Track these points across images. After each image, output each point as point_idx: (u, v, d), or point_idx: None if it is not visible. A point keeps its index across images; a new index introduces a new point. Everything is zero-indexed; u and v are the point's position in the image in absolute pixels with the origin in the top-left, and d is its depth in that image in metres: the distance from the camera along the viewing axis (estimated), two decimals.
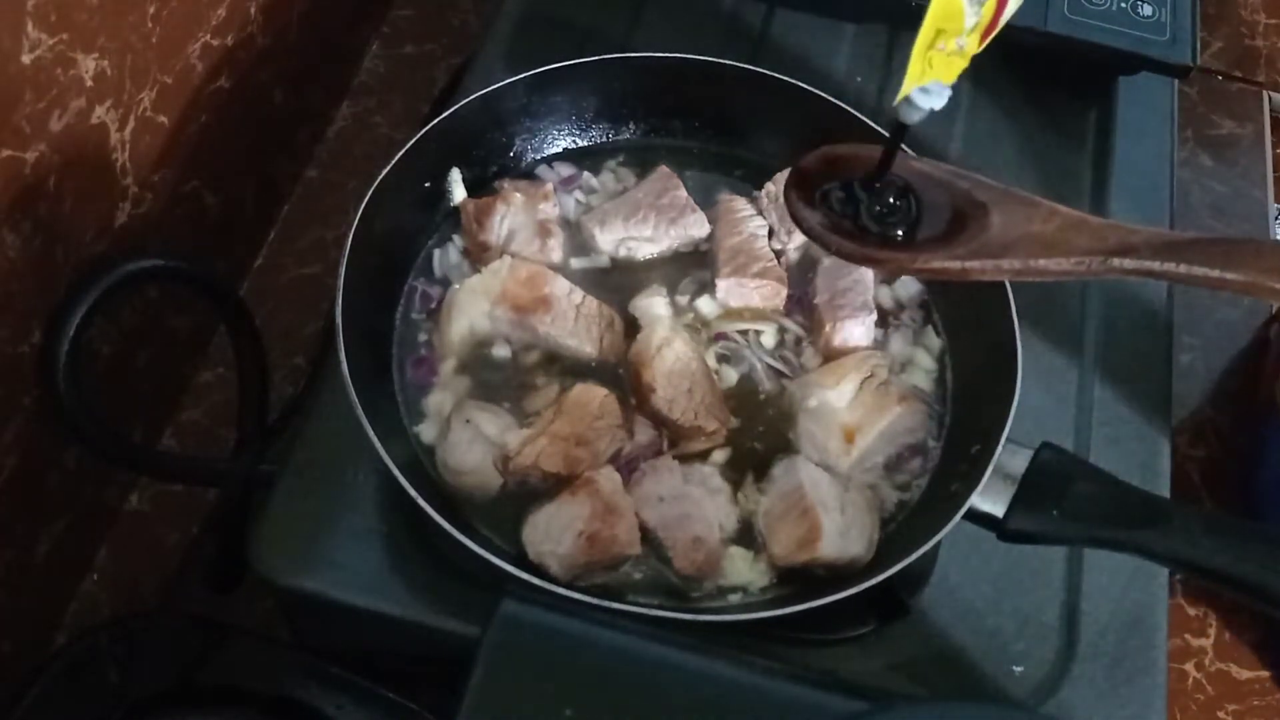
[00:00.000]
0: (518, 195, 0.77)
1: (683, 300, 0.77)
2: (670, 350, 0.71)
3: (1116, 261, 0.56)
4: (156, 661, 0.68)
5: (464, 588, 0.68)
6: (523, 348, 0.74)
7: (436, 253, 0.78)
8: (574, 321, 0.72)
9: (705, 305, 0.77)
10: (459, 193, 0.79)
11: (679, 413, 0.70)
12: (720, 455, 0.72)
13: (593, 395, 0.69)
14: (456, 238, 0.78)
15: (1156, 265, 0.55)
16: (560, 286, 0.73)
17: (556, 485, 0.67)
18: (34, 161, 0.66)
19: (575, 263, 0.78)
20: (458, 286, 0.74)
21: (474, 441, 0.68)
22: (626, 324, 0.75)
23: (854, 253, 0.60)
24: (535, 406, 0.72)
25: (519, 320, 0.72)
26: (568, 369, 0.73)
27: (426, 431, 0.71)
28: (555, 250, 0.77)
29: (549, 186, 0.79)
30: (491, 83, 0.78)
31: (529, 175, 0.82)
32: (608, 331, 0.74)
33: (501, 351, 0.74)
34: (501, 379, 0.73)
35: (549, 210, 0.78)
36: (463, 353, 0.73)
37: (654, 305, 0.74)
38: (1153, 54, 0.92)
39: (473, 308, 0.72)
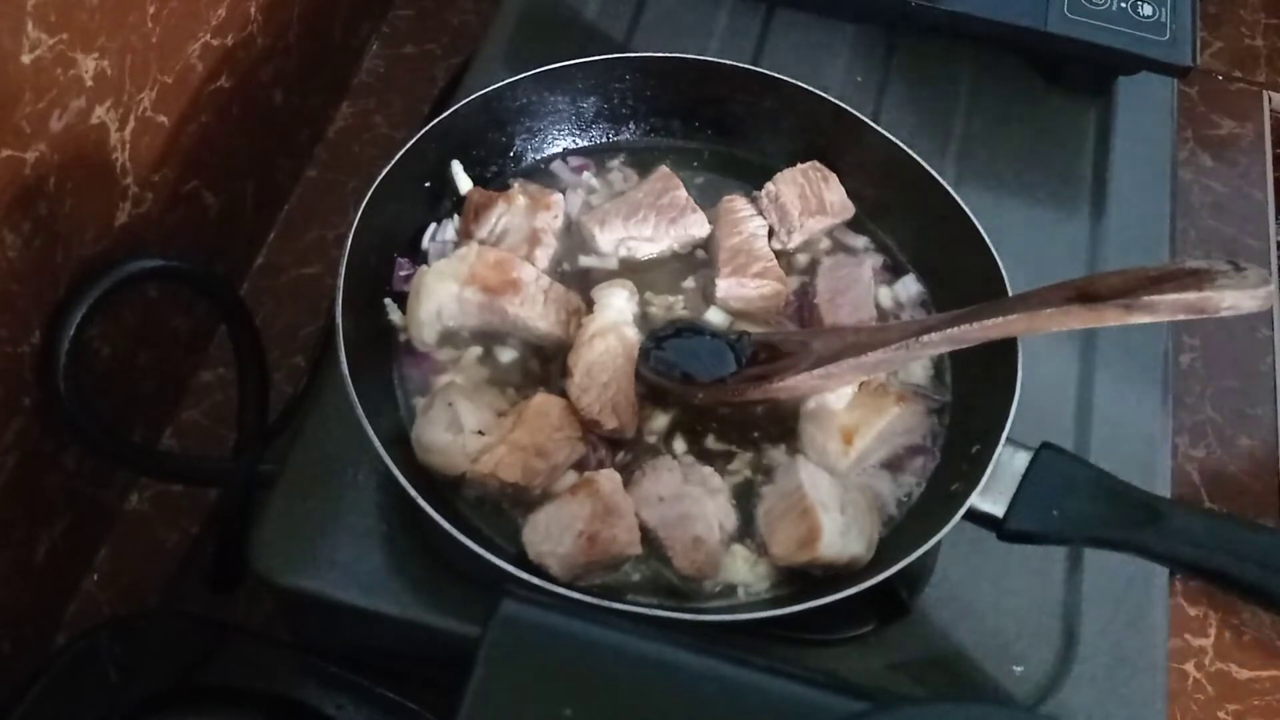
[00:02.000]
0: (521, 199, 0.77)
1: (652, 306, 0.77)
2: (602, 342, 0.71)
3: (925, 338, 0.66)
4: (156, 661, 0.68)
5: (464, 588, 0.68)
6: (530, 351, 0.74)
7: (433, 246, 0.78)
8: (543, 305, 0.72)
9: (714, 316, 0.77)
10: (464, 183, 0.79)
11: (586, 401, 0.70)
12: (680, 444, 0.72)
13: (553, 405, 0.69)
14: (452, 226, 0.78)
15: (955, 331, 0.65)
16: (528, 272, 0.73)
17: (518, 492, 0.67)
18: (34, 161, 0.66)
19: (584, 261, 0.78)
20: (426, 268, 0.73)
21: (449, 426, 0.68)
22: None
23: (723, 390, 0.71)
24: None
25: (488, 302, 0.71)
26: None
27: None
28: (541, 260, 0.76)
29: (555, 197, 0.79)
30: (491, 83, 0.78)
31: (544, 170, 0.82)
32: (574, 317, 0.73)
33: (510, 353, 0.74)
34: (517, 378, 0.73)
35: (548, 220, 0.77)
36: (433, 336, 0.73)
37: (612, 295, 0.74)
38: (1153, 54, 0.91)
39: (441, 289, 0.71)
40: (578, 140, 0.84)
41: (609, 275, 0.77)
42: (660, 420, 0.73)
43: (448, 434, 0.68)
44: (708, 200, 0.81)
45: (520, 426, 0.67)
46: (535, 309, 0.72)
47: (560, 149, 0.83)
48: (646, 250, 0.79)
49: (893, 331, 0.70)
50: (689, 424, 0.73)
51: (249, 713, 0.67)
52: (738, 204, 0.80)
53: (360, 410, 0.64)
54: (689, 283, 0.78)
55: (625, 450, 0.72)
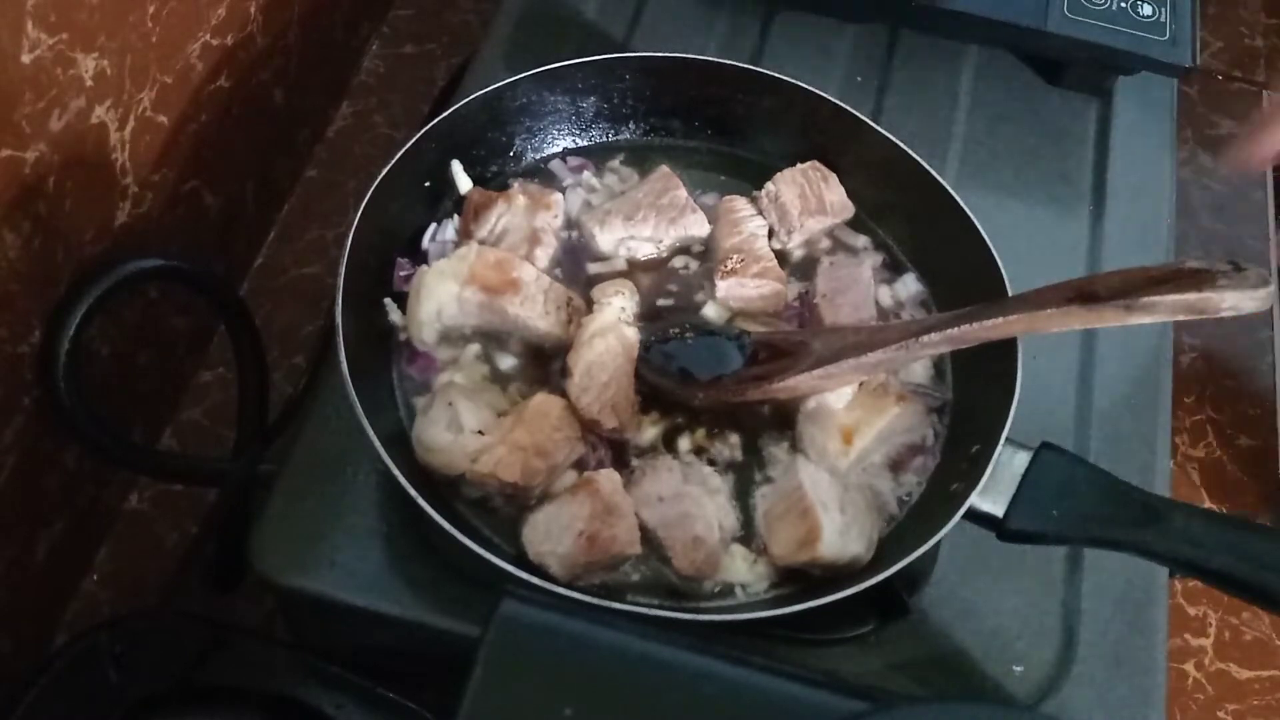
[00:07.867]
0: (521, 198, 0.77)
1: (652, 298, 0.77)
2: (601, 341, 0.71)
3: (925, 338, 0.66)
4: (156, 661, 0.68)
5: (464, 588, 0.68)
6: (531, 351, 0.74)
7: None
8: (543, 304, 0.72)
9: (711, 311, 0.77)
10: (464, 183, 0.79)
11: (586, 401, 0.70)
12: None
13: (552, 405, 0.69)
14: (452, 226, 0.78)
15: (955, 331, 0.66)
16: (528, 272, 0.73)
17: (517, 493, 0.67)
18: (34, 161, 0.66)
19: (592, 268, 0.78)
20: (426, 268, 0.73)
21: (450, 425, 0.68)
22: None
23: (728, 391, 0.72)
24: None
25: (488, 302, 0.71)
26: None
27: None
28: (541, 260, 0.76)
29: (555, 197, 0.79)
30: (491, 82, 0.78)
31: (544, 170, 0.82)
32: (574, 317, 0.73)
33: (510, 353, 0.74)
34: (517, 377, 0.73)
35: (548, 220, 0.77)
36: (433, 336, 0.73)
37: (612, 295, 0.74)
38: (1153, 54, 0.92)
39: (441, 289, 0.71)
40: (578, 140, 0.84)
41: (609, 275, 0.77)
42: (660, 422, 0.73)
43: (448, 434, 0.68)
44: (708, 200, 0.81)
45: (520, 426, 0.67)
46: (535, 309, 0.72)
47: (560, 149, 0.83)
48: (646, 250, 0.79)
49: (893, 331, 0.70)
50: (688, 424, 0.73)
51: (249, 713, 0.67)
52: (738, 204, 0.80)
53: (360, 410, 0.64)
54: (689, 280, 0.78)
55: (624, 450, 0.72)
